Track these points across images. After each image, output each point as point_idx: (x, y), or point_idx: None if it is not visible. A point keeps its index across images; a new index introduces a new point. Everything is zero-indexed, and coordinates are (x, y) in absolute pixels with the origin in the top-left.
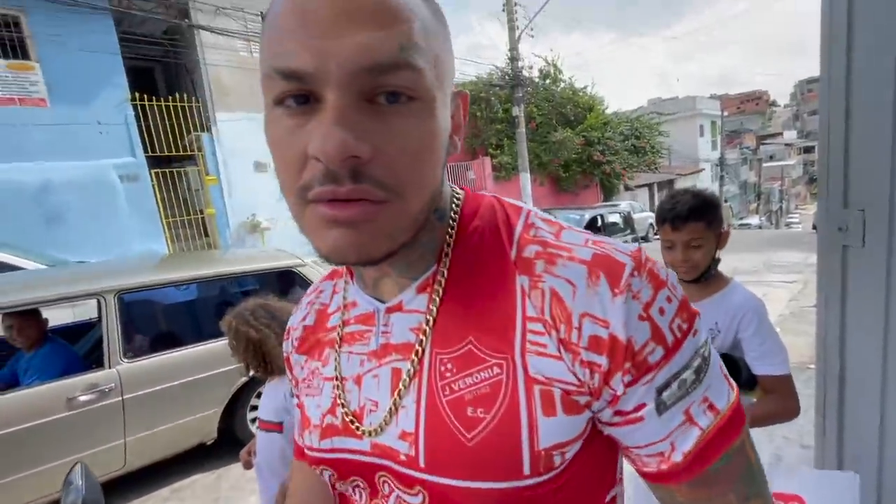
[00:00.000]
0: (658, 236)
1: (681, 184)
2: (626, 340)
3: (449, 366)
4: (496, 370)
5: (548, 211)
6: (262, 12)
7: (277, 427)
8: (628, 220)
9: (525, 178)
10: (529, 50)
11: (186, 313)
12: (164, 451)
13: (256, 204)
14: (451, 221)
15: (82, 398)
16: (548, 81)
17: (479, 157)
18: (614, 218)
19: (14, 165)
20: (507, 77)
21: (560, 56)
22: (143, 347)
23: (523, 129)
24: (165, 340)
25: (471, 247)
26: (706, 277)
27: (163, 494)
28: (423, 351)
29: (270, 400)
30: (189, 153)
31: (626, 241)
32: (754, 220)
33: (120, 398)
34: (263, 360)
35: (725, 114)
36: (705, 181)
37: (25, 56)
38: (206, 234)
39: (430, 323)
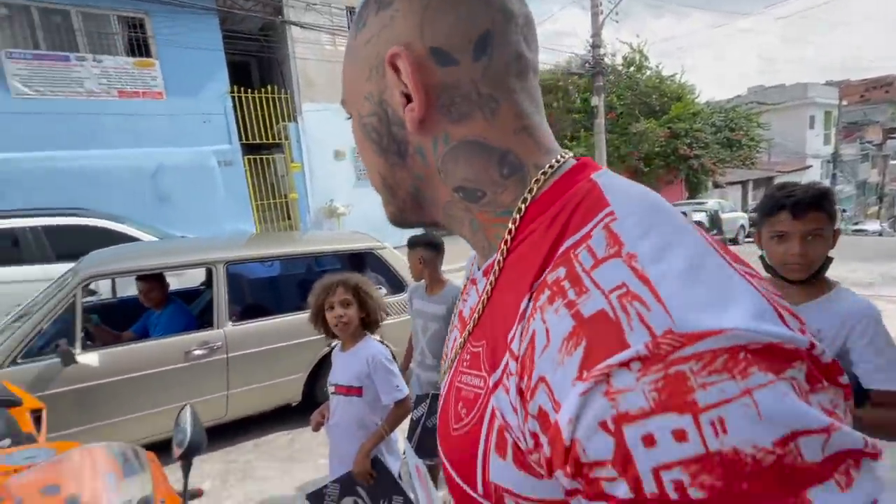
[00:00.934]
0: (751, 239)
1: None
2: (567, 442)
3: (467, 357)
4: (481, 383)
5: None
6: (347, 7)
7: (357, 391)
8: (716, 220)
9: None
10: (613, 36)
11: (273, 287)
12: (258, 406)
13: (334, 190)
14: (520, 205)
15: (196, 352)
16: (632, 69)
17: None
18: (699, 217)
19: (134, 151)
20: (587, 65)
21: (647, 42)
22: (242, 313)
23: (602, 119)
24: (259, 309)
25: (524, 244)
26: (816, 277)
27: (247, 447)
28: (466, 339)
29: (350, 365)
30: (277, 141)
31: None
32: (873, 225)
33: (225, 356)
34: (368, 321)
35: (844, 103)
36: (813, 180)
37: (147, 54)
38: (289, 217)
39: (477, 315)
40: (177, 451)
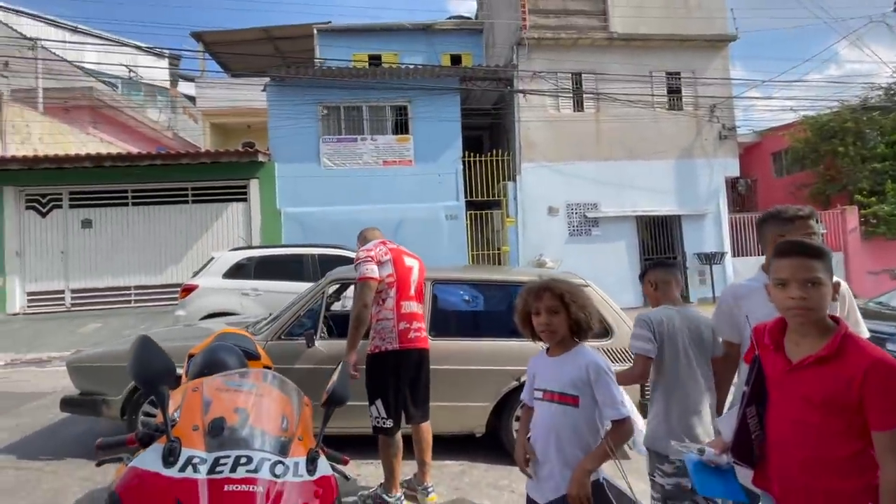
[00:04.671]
0: None
1: None
2: None
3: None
4: None
5: None
6: (572, 72)
7: (573, 400)
8: None
9: None
10: None
11: (474, 314)
12: (442, 426)
13: (544, 244)
14: None
15: None
16: None
17: (837, 206)
18: None
19: (383, 206)
20: (892, 97)
21: None
22: (441, 331)
23: None
24: (456, 329)
25: None
26: None
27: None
28: None
29: (564, 371)
30: (497, 199)
31: None
32: None
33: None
34: (578, 329)
35: None
36: None
37: (406, 131)
38: None
39: None
40: (324, 397)
